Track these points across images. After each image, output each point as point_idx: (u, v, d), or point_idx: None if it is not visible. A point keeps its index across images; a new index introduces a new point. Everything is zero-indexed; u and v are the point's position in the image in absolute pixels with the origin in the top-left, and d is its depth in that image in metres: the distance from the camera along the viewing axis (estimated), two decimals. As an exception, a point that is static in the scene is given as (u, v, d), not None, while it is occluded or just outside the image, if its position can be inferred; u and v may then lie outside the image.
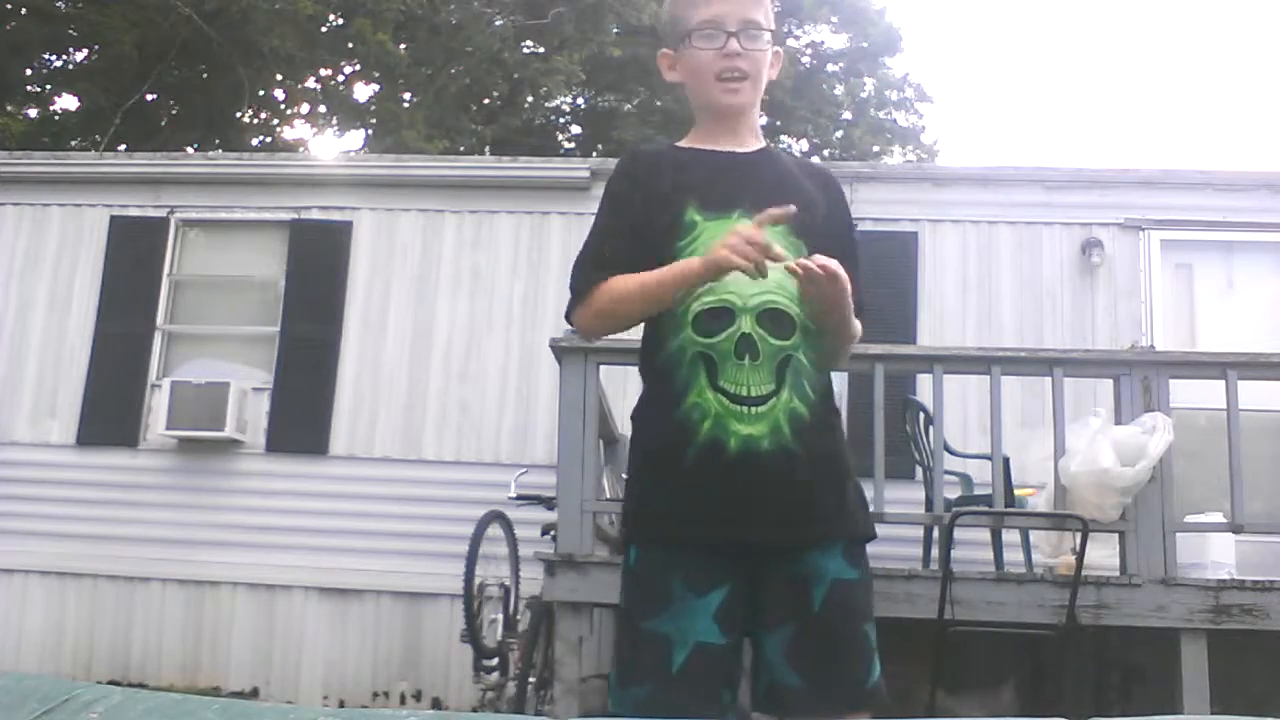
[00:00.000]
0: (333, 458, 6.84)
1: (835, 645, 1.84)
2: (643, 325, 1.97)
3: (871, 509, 4.31)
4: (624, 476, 5.47)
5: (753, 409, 1.81)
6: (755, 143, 2.02)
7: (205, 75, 16.05)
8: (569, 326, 2.04)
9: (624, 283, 1.89)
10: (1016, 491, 4.84)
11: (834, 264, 1.79)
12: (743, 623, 1.85)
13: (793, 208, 1.79)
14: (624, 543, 1.96)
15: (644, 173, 1.99)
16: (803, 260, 1.78)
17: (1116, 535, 4.28)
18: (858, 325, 1.94)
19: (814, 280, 1.78)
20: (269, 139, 17.31)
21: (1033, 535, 4.99)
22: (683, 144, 2.04)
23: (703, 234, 1.88)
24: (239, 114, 16.15)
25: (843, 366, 2.03)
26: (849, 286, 1.83)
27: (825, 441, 1.88)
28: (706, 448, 1.82)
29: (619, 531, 2.70)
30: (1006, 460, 4.45)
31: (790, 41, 19.62)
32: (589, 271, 1.95)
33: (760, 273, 1.74)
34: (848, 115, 20.40)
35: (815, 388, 1.88)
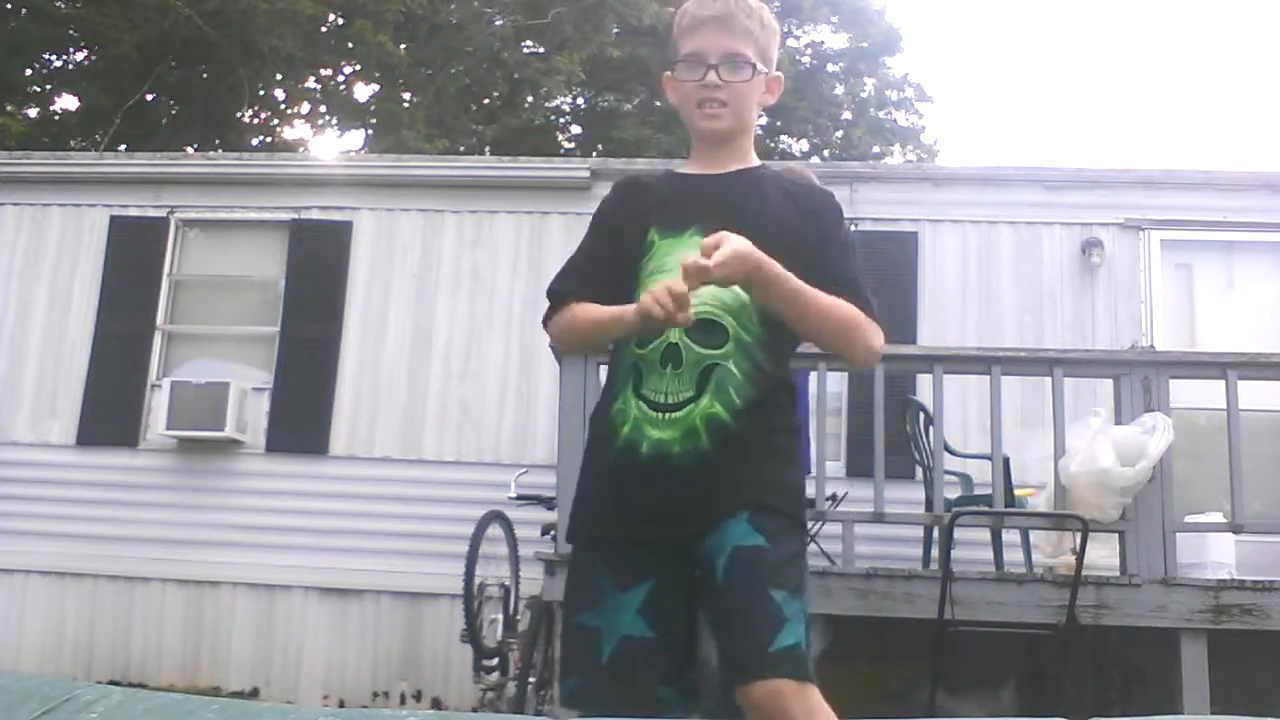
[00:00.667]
0: (333, 458, 6.84)
1: (734, 611, 1.84)
2: None
3: (872, 508, 4.34)
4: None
5: (668, 415, 1.90)
6: (737, 165, 2.09)
7: (205, 75, 16.06)
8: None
9: (585, 313, 2.05)
10: (1016, 491, 4.84)
11: (714, 239, 1.82)
12: (679, 620, 1.90)
13: (700, 259, 1.81)
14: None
15: (626, 194, 2.14)
16: (687, 259, 1.83)
17: (1116, 535, 4.28)
18: (846, 307, 1.95)
19: (705, 270, 1.81)
20: (269, 139, 17.31)
21: (1033, 535, 4.99)
22: (676, 168, 2.19)
23: (658, 252, 2.00)
24: (239, 114, 16.16)
25: (860, 356, 2.00)
26: (751, 256, 1.83)
27: (746, 443, 1.91)
28: (624, 450, 1.93)
29: None
30: (1006, 460, 4.45)
31: (790, 41, 19.61)
32: (561, 284, 2.13)
33: (674, 324, 1.83)
34: (848, 115, 20.40)
35: (745, 395, 1.91)
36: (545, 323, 2.18)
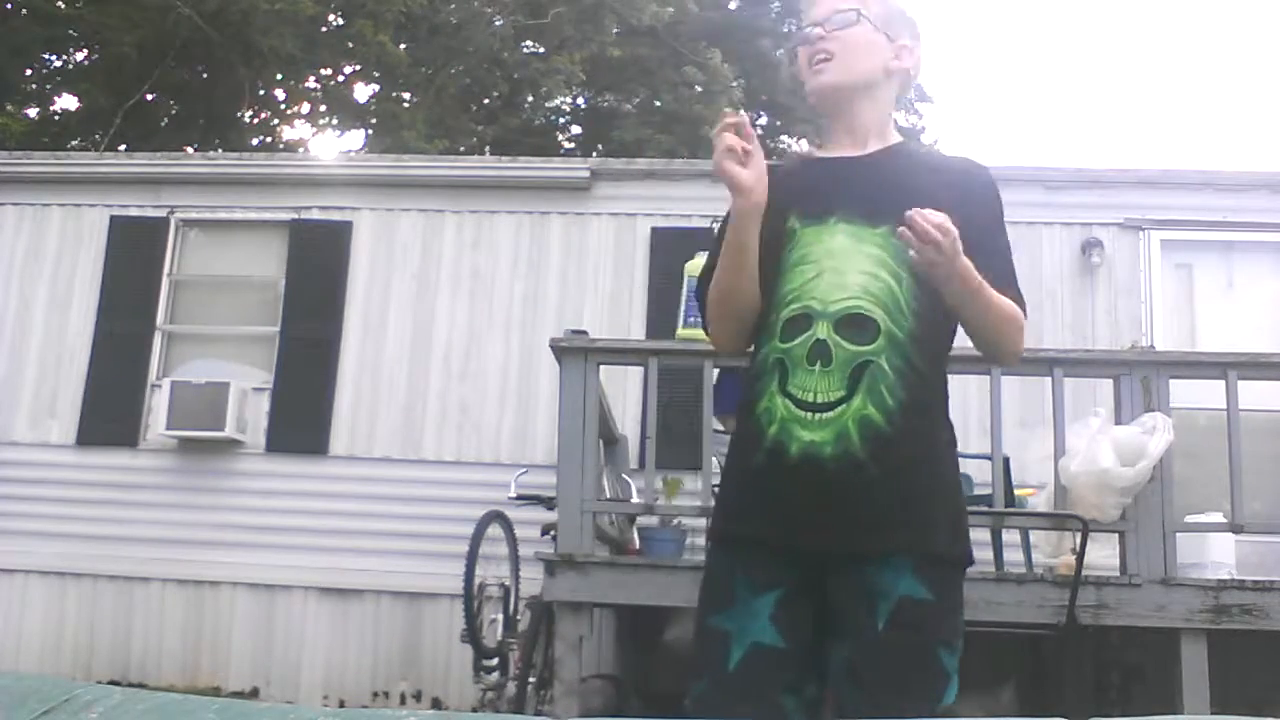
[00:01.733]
0: (333, 458, 6.84)
1: (899, 666, 1.77)
2: None
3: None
4: (624, 477, 5.48)
5: (818, 415, 1.79)
6: (877, 143, 1.98)
7: (205, 75, 16.06)
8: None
9: (714, 286, 1.96)
10: (1016, 491, 4.83)
11: (934, 214, 1.71)
12: (806, 629, 1.83)
13: (905, 230, 1.73)
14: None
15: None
16: (904, 224, 1.72)
17: (1116, 535, 4.28)
18: (1011, 306, 1.86)
19: (921, 238, 1.71)
20: (269, 139, 17.31)
21: (1033, 535, 4.99)
22: (813, 153, 2.10)
23: (801, 240, 1.90)
24: (239, 114, 16.15)
25: (1009, 357, 1.89)
26: (954, 241, 1.72)
27: (904, 452, 1.80)
28: (771, 451, 1.82)
29: None
30: (1006, 460, 4.45)
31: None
32: (703, 287, 2.01)
33: (741, 141, 1.78)
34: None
35: (899, 396, 1.79)
36: (707, 330, 2.05)
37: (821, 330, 1.81)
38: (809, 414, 1.79)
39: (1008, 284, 1.86)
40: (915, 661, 1.77)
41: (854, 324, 1.81)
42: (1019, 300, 1.88)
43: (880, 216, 1.83)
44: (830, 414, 1.78)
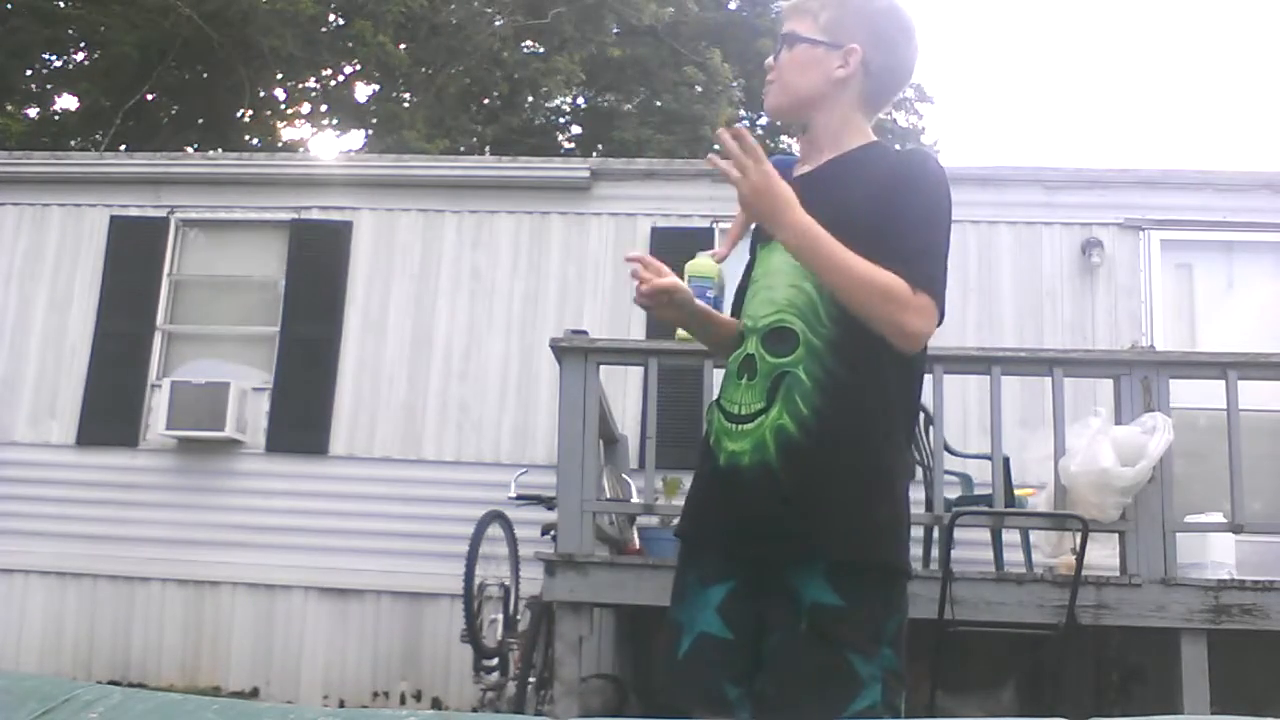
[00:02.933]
0: (333, 458, 6.84)
1: (804, 670, 1.79)
2: None
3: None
4: (624, 478, 5.47)
5: (740, 426, 1.89)
6: (830, 153, 2.01)
7: (205, 75, 16.06)
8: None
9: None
10: (1016, 491, 4.83)
11: (747, 136, 1.81)
12: (750, 623, 1.88)
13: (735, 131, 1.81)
14: None
15: None
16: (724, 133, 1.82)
17: (1116, 535, 4.28)
18: (877, 276, 1.78)
19: (726, 149, 1.80)
20: (269, 139, 17.31)
21: (1033, 535, 4.99)
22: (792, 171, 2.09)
23: (758, 262, 2.04)
24: (239, 114, 16.16)
25: (888, 330, 1.79)
26: (762, 168, 1.79)
27: (818, 461, 1.82)
28: (707, 458, 1.97)
29: None
30: (1006, 460, 4.45)
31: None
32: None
33: (744, 155, 1.80)
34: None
35: (814, 404, 1.82)
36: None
37: (751, 345, 1.93)
38: (734, 425, 1.90)
39: (899, 261, 1.79)
40: (821, 666, 1.78)
41: (777, 337, 1.90)
42: (917, 276, 1.79)
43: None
44: (750, 425, 1.87)
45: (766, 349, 1.90)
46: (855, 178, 1.95)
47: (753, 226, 2.03)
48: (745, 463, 1.86)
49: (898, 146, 2.16)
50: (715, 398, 1.99)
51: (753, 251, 2.07)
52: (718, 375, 4.32)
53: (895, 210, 1.86)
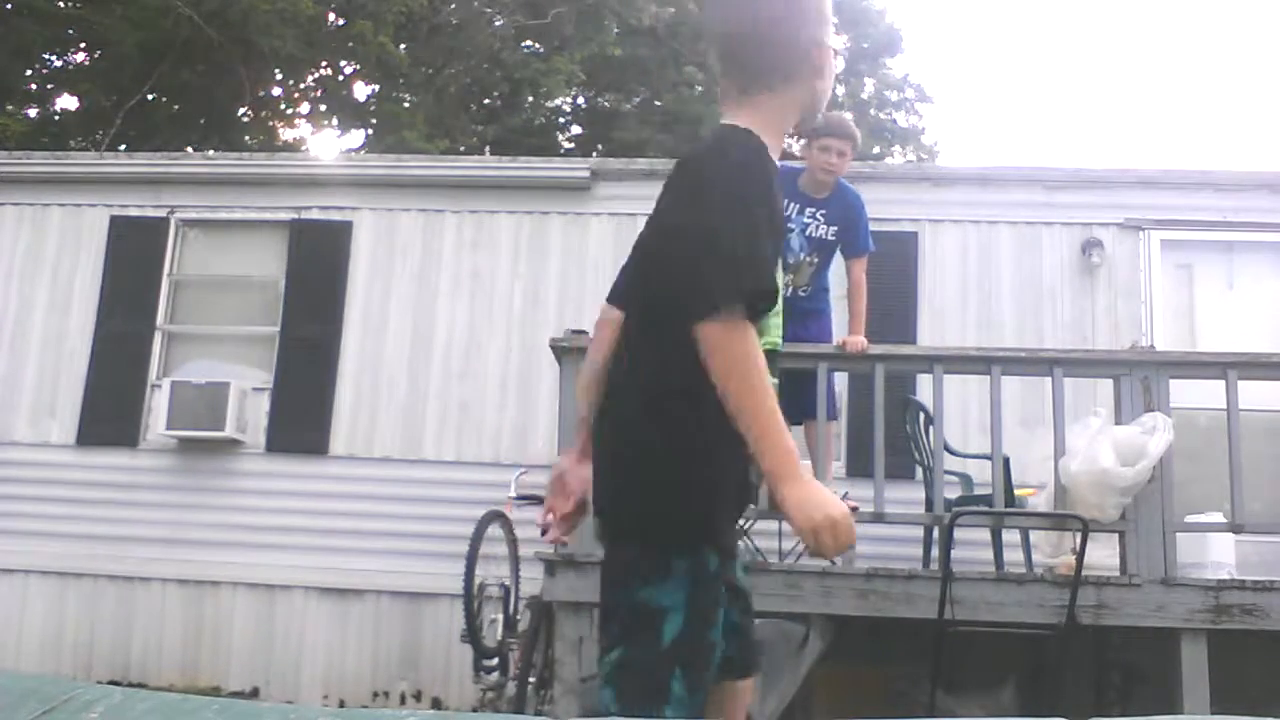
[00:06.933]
0: (333, 458, 6.84)
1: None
2: None
3: (872, 508, 4.34)
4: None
5: None
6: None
7: (205, 75, 16.05)
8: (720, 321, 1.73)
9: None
10: (1016, 491, 4.83)
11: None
12: None
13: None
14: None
15: None
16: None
17: (1116, 535, 4.29)
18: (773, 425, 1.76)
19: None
20: (269, 138, 17.31)
21: (1033, 535, 4.98)
22: None
23: None
24: (239, 114, 16.16)
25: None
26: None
27: (601, 446, 2.01)
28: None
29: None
30: (1006, 460, 4.45)
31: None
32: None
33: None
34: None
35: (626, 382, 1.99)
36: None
37: None
38: None
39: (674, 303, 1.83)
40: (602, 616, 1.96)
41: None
42: (695, 317, 1.72)
43: None
44: None
45: None
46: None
47: None
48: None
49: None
50: None
51: None
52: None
53: (676, 199, 1.91)
